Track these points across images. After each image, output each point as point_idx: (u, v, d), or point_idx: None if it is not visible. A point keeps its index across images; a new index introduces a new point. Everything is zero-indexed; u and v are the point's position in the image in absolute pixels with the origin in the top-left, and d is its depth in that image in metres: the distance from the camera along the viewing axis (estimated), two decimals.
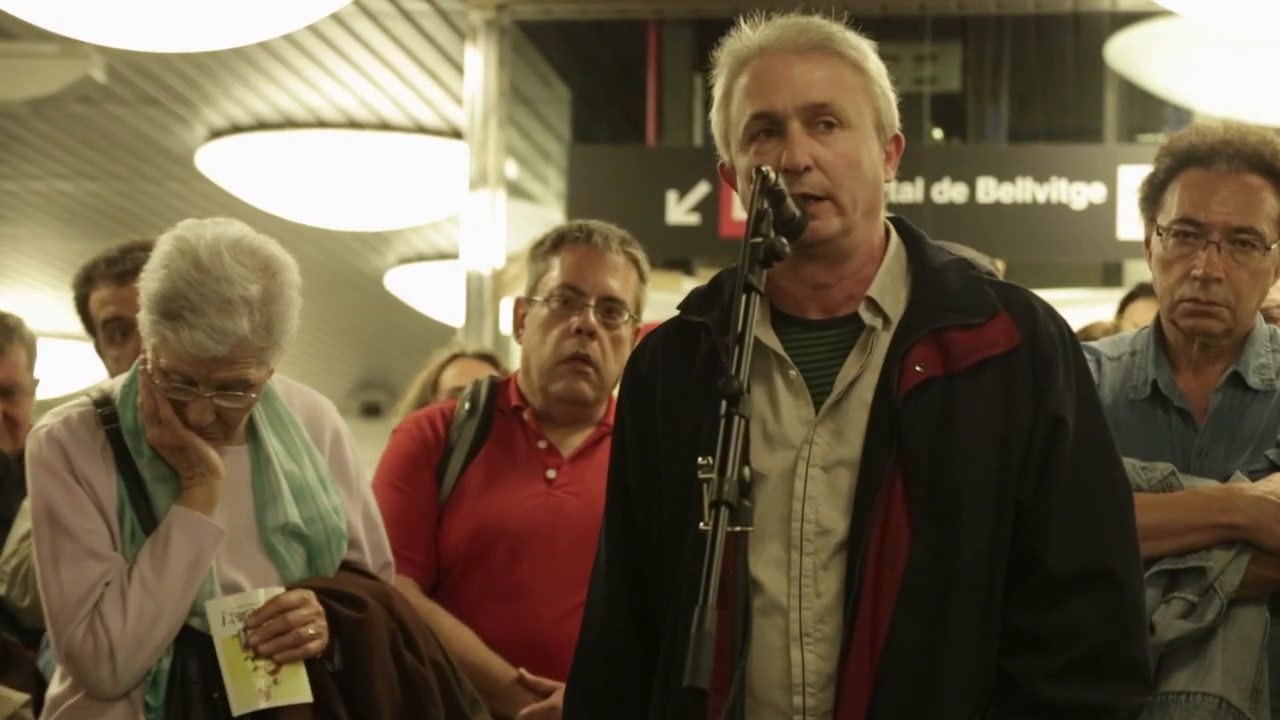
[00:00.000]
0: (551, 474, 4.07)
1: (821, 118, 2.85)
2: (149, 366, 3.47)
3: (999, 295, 2.90)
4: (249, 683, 3.42)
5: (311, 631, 3.47)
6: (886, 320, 2.88)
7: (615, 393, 4.17)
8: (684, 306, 2.99)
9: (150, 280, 3.43)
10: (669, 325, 3.02)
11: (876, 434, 2.81)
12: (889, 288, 2.91)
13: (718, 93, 2.93)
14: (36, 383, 5.06)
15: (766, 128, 2.86)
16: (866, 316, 2.88)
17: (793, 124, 2.84)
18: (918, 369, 2.82)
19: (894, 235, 2.97)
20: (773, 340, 2.89)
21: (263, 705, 3.41)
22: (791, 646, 2.79)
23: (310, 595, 3.50)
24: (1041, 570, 2.82)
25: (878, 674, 2.75)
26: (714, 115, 2.96)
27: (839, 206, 2.85)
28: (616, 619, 2.97)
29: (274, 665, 3.43)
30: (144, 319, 3.43)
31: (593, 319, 4.03)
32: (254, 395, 3.48)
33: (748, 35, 2.91)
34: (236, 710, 3.41)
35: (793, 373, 2.86)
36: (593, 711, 2.99)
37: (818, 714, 2.78)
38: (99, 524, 3.46)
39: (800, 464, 2.83)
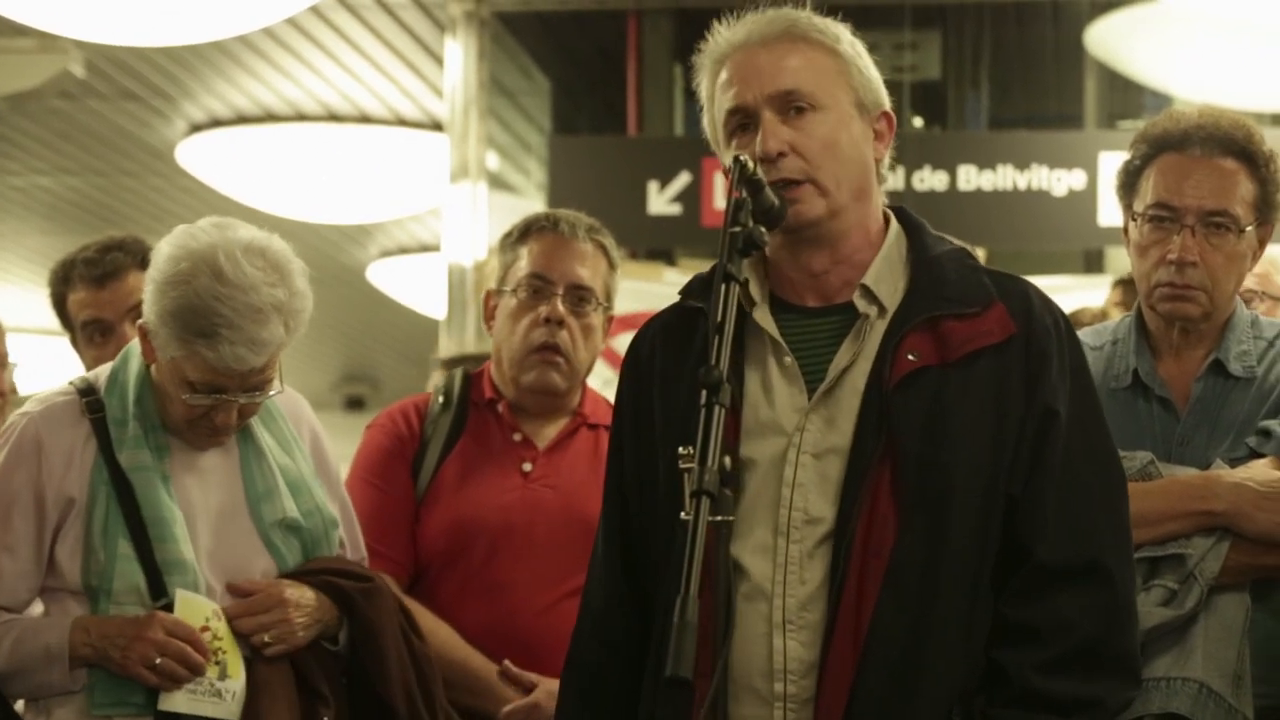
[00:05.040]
0: (527, 467, 4.03)
1: (792, 103, 2.88)
2: (164, 376, 3.46)
3: (996, 285, 2.91)
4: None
5: (267, 639, 3.48)
6: (882, 309, 2.89)
7: (589, 382, 4.17)
8: (685, 292, 3.01)
9: (165, 298, 3.39)
10: (670, 311, 3.04)
11: (867, 423, 2.83)
12: (886, 276, 2.92)
13: (703, 96, 2.97)
14: (14, 365, 5.07)
15: (742, 122, 2.89)
16: (861, 304, 2.89)
17: (764, 113, 2.87)
18: (910, 358, 2.83)
19: (894, 223, 2.98)
20: (770, 326, 2.90)
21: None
22: (774, 633, 2.80)
23: (295, 593, 3.50)
24: (1033, 562, 2.83)
25: (859, 662, 2.76)
26: (704, 118, 2.99)
27: (820, 188, 2.86)
28: (611, 605, 3.00)
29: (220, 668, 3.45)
30: (163, 334, 3.40)
31: (561, 307, 3.99)
32: (275, 390, 3.50)
33: (722, 35, 2.94)
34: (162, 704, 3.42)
35: (787, 359, 2.87)
36: (587, 694, 3.01)
37: (799, 701, 2.79)
38: (22, 545, 3.45)
39: (791, 451, 2.84)
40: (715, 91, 2.93)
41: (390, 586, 3.74)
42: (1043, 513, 2.84)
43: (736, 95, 2.88)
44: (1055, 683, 2.80)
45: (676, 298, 3.04)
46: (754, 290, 2.90)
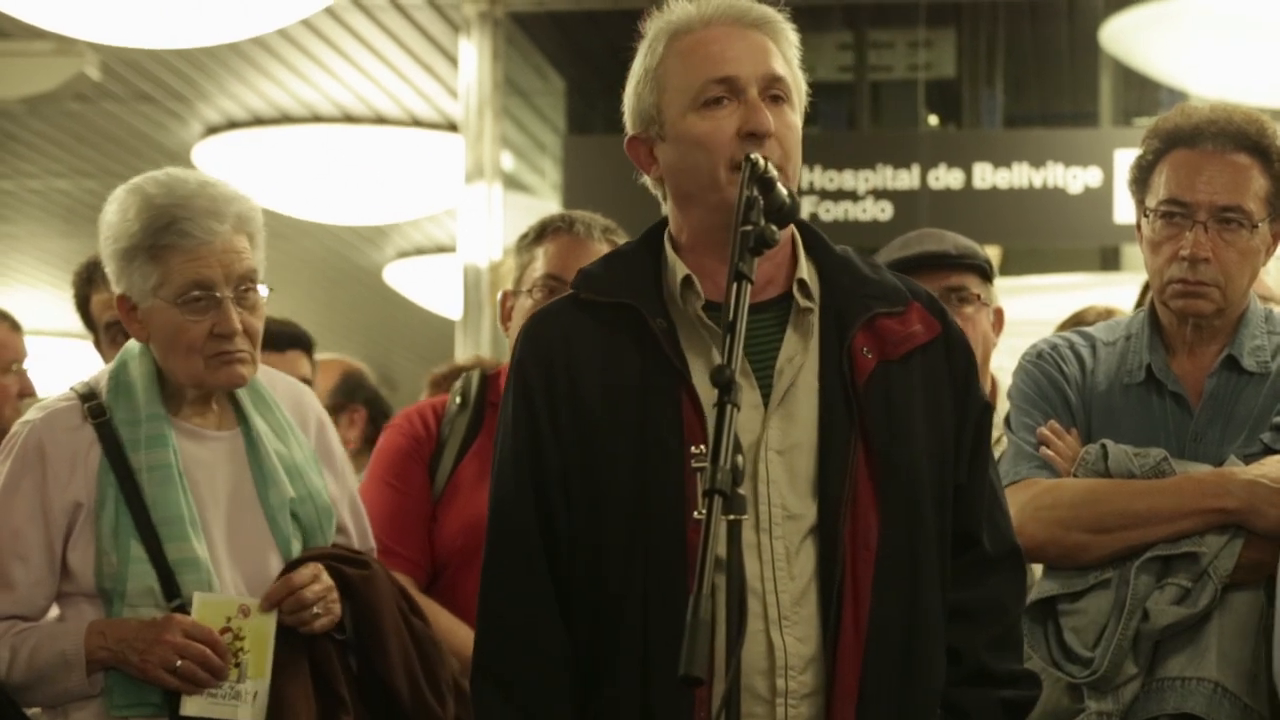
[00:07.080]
0: None
1: (773, 90, 2.89)
2: (159, 331, 3.47)
3: (903, 284, 2.98)
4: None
5: (318, 610, 3.49)
6: (812, 303, 2.92)
7: None
8: (585, 287, 2.96)
9: (123, 237, 3.47)
10: (564, 307, 2.98)
11: (833, 419, 2.86)
12: (807, 272, 2.94)
13: (645, 65, 2.95)
14: (23, 371, 5.14)
15: (721, 94, 2.88)
16: (801, 299, 2.91)
17: (753, 90, 2.87)
18: (866, 354, 2.88)
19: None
20: (708, 322, 2.88)
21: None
22: (771, 630, 2.81)
23: (320, 570, 3.51)
24: (978, 549, 2.96)
25: (866, 651, 2.81)
26: (636, 88, 2.97)
27: (786, 178, 2.85)
28: (538, 612, 2.90)
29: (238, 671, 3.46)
30: (138, 269, 3.46)
31: None
32: (263, 295, 3.52)
33: (684, 9, 2.94)
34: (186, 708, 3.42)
35: None
36: (518, 705, 2.89)
37: (799, 696, 2.81)
38: (34, 553, 3.46)
39: (761, 448, 2.85)
40: (673, 60, 2.91)
41: (387, 572, 3.76)
42: (980, 501, 2.97)
43: (726, 66, 2.87)
44: (1002, 660, 2.96)
45: None
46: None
